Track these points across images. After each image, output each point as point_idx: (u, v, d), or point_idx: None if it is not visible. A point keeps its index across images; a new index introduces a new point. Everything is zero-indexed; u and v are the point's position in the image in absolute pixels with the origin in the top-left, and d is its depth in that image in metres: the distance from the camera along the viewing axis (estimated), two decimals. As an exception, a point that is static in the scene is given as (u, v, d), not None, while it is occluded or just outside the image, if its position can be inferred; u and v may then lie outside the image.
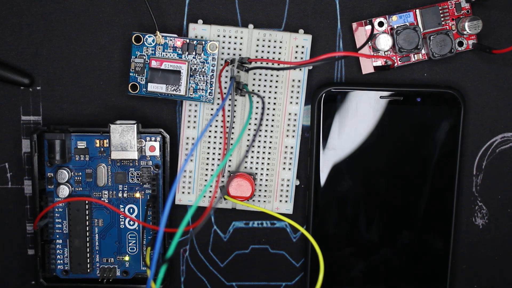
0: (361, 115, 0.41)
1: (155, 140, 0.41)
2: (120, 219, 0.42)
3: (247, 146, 0.42)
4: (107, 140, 0.41)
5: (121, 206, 0.42)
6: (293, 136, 0.41)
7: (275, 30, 0.41)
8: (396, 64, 0.42)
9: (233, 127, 0.41)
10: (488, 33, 0.42)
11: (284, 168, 0.42)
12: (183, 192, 0.42)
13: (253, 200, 0.42)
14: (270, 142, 0.41)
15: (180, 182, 0.42)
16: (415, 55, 0.41)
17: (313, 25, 0.42)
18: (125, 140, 0.40)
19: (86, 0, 0.41)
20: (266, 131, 0.41)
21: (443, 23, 0.41)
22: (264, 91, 0.41)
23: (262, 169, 0.42)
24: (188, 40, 0.40)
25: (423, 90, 0.41)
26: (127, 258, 0.43)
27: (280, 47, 0.40)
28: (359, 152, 0.41)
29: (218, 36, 0.40)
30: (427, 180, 0.42)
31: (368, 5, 0.42)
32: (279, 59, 0.40)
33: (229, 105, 0.40)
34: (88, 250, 0.42)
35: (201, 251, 0.44)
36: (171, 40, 0.40)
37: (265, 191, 0.42)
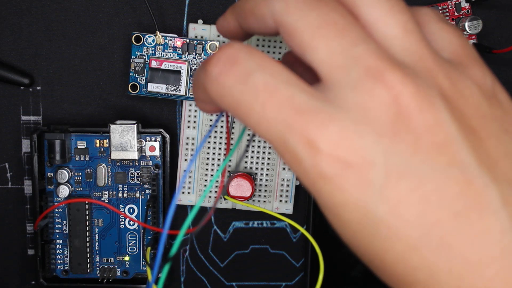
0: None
1: (155, 140, 0.41)
2: (120, 219, 0.42)
3: (247, 145, 0.42)
4: (107, 140, 0.41)
5: (121, 206, 0.42)
6: (293, 136, 0.41)
7: (275, 30, 0.41)
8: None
9: (233, 127, 0.41)
10: (488, 33, 0.42)
11: (284, 168, 0.42)
12: (183, 192, 0.42)
13: (253, 200, 0.42)
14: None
15: (184, 183, 0.42)
16: (415, 55, 0.41)
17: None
18: (125, 140, 0.40)
19: (86, 0, 0.41)
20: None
21: (443, 23, 0.41)
22: (264, 91, 0.41)
23: (262, 169, 0.42)
24: (188, 40, 0.40)
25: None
26: (127, 258, 0.43)
27: (280, 47, 0.40)
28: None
29: (218, 36, 0.40)
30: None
31: (368, 5, 0.42)
32: (279, 59, 0.40)
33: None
34: (88, 250, 0.42)
35: (201, 251, 0.44)
36: (171, 40, 0.40)
37: (265, 191, 0.42)
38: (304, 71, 0.20)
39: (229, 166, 0.42)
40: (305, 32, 0.18)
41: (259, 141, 0.41)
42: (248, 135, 0.42)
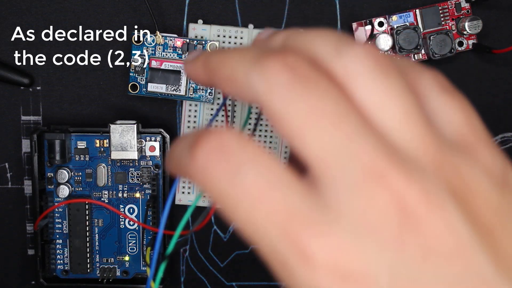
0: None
1: (155, 140, 0.41)
2: (120, 219, 0.42)
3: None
4: (107, 140, 0.41)
5: (121, 206, 0.42)
6: (293, 136, 0.41)
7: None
8: (396, 64, 0.41)
9: (233, 128, 0.41)
10: (488, 33, 0.42)
11: (284, 168, 0.42)
12: (183, 192, 0.42)
13: (253, 200, 0.42)
14: (270, 142, 0.41)
15: (180, 182, 0.42)
16: (415, 55, 0.41)
17: (313, 25, 0.42)
18: (125, 140, 0.40)
19: (86, 0, 0.41)
20: (266, 131, 0.41)
21: (443, 23, 0.41)
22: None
23: (262, 169, 0.42)
24: (188, 40, 0.40)
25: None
26: (127, 258, 0.43)
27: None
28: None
29: (218, 36, 0.40)
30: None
31: (368, 5, 0.42)
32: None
33: (229, 104, 0.40)
34: (88, 250, 0.42)
35: (201, 251, 0.44)
36: (171, 40, 0.40)
37: (265, 191, 0.42)
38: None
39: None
40: (293, 120, 0.15)
41: (259, 141, 0.41)
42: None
